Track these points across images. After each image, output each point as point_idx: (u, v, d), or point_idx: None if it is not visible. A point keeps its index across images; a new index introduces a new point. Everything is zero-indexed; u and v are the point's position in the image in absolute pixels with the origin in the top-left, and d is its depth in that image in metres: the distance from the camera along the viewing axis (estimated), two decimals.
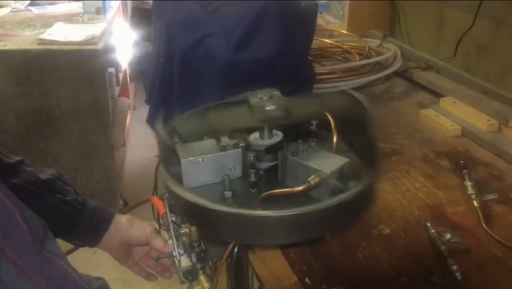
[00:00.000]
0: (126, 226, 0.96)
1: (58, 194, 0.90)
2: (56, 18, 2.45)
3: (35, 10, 2.62)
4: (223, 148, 0.85)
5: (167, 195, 0.87)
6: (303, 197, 0.76)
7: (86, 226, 0.92)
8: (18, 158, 0.88)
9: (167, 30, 1.25)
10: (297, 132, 0.88)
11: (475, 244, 0.87)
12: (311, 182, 0.75)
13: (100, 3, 2.41)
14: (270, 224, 0.72)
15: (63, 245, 0.95)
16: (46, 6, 2.68)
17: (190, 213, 0.79)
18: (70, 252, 0.98)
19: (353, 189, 0.73)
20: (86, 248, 0.99)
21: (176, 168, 0.86)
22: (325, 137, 0.87)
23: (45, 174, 0.90)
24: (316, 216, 0.70)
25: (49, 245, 0.60)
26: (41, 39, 2.12)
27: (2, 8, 2.60)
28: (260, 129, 0.86)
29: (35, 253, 0.57)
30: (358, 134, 0.85)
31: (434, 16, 1.85)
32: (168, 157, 0.85)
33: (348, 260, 0.84)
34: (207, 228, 0.80)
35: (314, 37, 1.40)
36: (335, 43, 1.76)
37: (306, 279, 0.80)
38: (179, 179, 0.84)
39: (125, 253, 0.99)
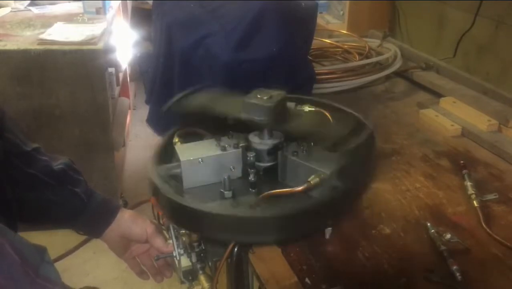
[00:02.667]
0: (128, 221, 0.97)
1: (69, 184, 0.92)
2: (56, 18, 2.45)
3: (35, 10, 2.62)
4: (223, 148, 0.85)
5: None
6: (303, 197, 0.77)
7: (91, 218, 0.94)
8: (34, 146, 0.90)
9: (167, 30, 1.25)
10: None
11: (475, 244, 0.87)
12: (311, 182, 0.75)
13: (100, 3, 2.41)
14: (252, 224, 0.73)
15: (64, 244, 0.95)
16: (46, 6, 2.68)
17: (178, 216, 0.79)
18: (70, 251, 0.99)
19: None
20: (86, 249, 1.00)
21: (175, 167, 0.86)
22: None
23: (58, 163, 0.92)
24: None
25: (45, 271, 0.60)
26: (41, 39, 2.12)
27: (2, 8, 2.60)
28: (259, 128, 0.86)
29: (28, 282, 0.57)
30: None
31: (434, 16, 1.85)
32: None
33: (348, 260, 0.84)
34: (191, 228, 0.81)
35: (314, 37, 1.40)
36: (335, 43, 1.76)
37: (306, 279, 0.80)
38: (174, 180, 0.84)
39: (124, 246, 1.00)
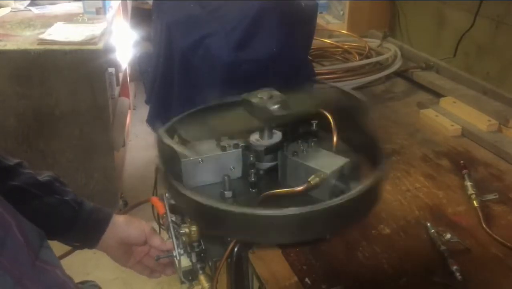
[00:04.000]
0: (124, 225, 0.96)
1: (57, 194, 0.90)
2: (56, 18, 2.45)
3: (35, 10, 2.62)
4: (223, 148, 0.85)
5: (167, 195, 0.86)
6: (303, 197, 0.76)
7: (84, 226, 0.92)
8: (16, 160, 0.89)
9: (167, 30, 1.25)
10: (297, 132, 0.88)
11: (475, 244, 0.87)
12: (311, 182, 0.75)
13: (100, 3, 2.41)
14: (274, 223, 0.72)
15: (63, 246, 0.95)
16: (46, 6, 2.68)
17: (196, 212, 0.78)
18: (70, 252, 0.98)
19: (356, 189, 0.72)
20: (86, 249, 0.99)
21: (175, 168, 0.86)
22: (325, 137, 0.87)
23: (43, 176, 0.91)
24: (318, 216, 0.70)
25: (44, 255, 0.60)
26: (41, 39, 2.12)
27: (2, 8, 2.60)
28: (259, 129, 0.86)
29: (30, 264, 0.57)
30: (357, 130, 0.84)
31: (434, 16, 1.85)
32: (169, 160, 0.85)
33: (348, 260, 0.84)
34: (212, 227, 0.79)
35: (314, 37, 1.40)
36: (335, 43, 1.76)
37: (306, 279, 0.80)
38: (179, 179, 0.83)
39: (124, 253, 0.99)
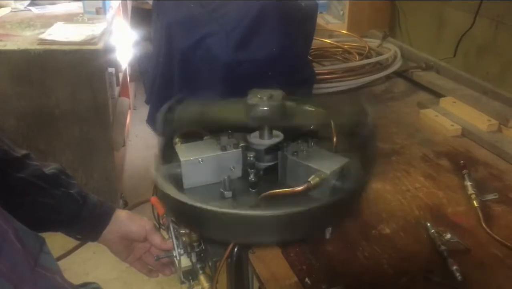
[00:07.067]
0: (126, 220, 0.97)
1: (62, 187, 0.91)
2: (56, 18, 2.45)
3: (35, 10, 2.62)
4: (223, 148, 0.85)
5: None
6: (303, 197, 0.77)
7: (88, 220, 0.93)
8: (23, 152, 0.90)
9: (167, 30, 1.25)
10: (297, 132, 0.88)
11: (475, 244, 0.87)
12: (311, 182, 0.75)
13: (100, 3, 2.41)
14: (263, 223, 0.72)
15: (64, 244, 0.95)
16: (46, 6, 2.68)
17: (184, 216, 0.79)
18: (70, 252, 0.98)
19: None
20: (86, 249, 1.00)
21: (175, 167, 0.86)
22: (325, 137, 0.87)
23: (50, 168, 0.91)
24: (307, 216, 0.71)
25: (44, 261, 0.60)
26: (41, 39, 2.12)
27: (2, 8, 2.61)
28: (260, 128, 0.86)
29: (28, 270, 0.57)
30: (360, 147, 0.84)
31: (434, 16, 1.85)
32: (167, 156, 0.85)
33: (348, 260, 0.84)
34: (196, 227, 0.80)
35: (314, 37, 1.40)
36: (335, 43, 1.76)
37: (306, 279, 0.80)
38: (174, 180, 0.84)
39: (125, 248, 1.00)
